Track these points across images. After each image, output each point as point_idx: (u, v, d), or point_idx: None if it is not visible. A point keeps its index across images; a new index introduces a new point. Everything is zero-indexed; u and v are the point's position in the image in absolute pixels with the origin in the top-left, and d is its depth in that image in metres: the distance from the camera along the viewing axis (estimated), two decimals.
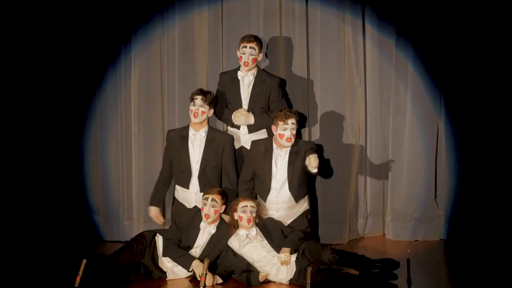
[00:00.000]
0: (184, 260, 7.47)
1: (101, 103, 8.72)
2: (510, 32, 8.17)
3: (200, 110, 7.78)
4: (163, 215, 8.08)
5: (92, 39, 8.63)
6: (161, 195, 8.03)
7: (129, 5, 8.57)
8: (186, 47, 8.61)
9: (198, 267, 7.36)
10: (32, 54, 8.65)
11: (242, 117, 8.03)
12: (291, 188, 7.73)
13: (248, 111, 8.07)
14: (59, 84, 8.70)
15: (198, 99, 7.77)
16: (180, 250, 7.52)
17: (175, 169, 7.94)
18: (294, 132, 7.67)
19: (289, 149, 7.74)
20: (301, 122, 8.41)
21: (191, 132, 7.86)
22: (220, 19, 8.58)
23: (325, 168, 8.17)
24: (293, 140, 7.68)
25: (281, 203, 7.76)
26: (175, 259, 7.50)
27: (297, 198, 7.77)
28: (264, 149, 7.79)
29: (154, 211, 8.00)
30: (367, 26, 8.52)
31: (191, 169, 7.86)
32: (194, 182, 7.87)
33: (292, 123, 7.65)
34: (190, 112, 7.83)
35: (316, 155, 7.53)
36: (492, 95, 8.27)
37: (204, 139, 7.85)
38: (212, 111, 7.86)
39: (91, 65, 8.66)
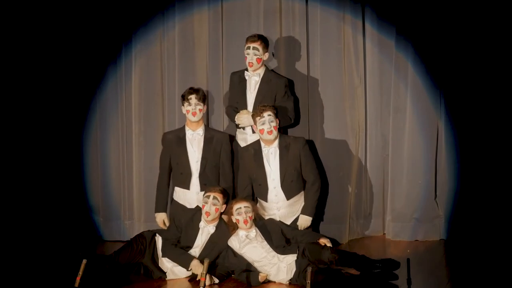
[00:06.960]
0: (183, 259, 7.46)
1: (101, 103, 8.72)
2: (510, 32, 8.17)
3: (197, 108, 7.79)
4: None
5: (93, 39, 8.64)
6: (164, 200, 8.02)
7: (130, 6, 8.58)
8: (186, 47, 8.61)
9: (197, 267, 7.35)
10: (33, 54, 8.66)
11: (244, 117, 8.01)
12: (283, 186, 7.73)
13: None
14: (60, 84, 8.71)
15: (193, 98, 7.78)
16: (178, 250, 7.52)
17: (174, 171, 7.94)
18: (273, 124, 7.62)
19: (277, 144, 7.73)
20: (301, 121, 8.43)
21: (189, 132, 7.87)
22: (220, 19, 8.58)
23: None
24: (274, 132, 7.64)
25: (281, 201, 7.76)
26: (174, 258, 7.49)
27: (289, 196, 7.76)
28: (253, 151, 7.77)
29: (161, 217, 7.99)
30: (367, 26, 8.52)
31: (191, 169, 7.86)
32: (195, 182, 7.88)
33: (269, 115, 7.62)
34: (186, 112, 7.83)
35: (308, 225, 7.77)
36: (492, 95, 8.27)
37: (202, 138, 7.87)
38: (205, 107, 7.88)
39: (91, 65, 8.67)
